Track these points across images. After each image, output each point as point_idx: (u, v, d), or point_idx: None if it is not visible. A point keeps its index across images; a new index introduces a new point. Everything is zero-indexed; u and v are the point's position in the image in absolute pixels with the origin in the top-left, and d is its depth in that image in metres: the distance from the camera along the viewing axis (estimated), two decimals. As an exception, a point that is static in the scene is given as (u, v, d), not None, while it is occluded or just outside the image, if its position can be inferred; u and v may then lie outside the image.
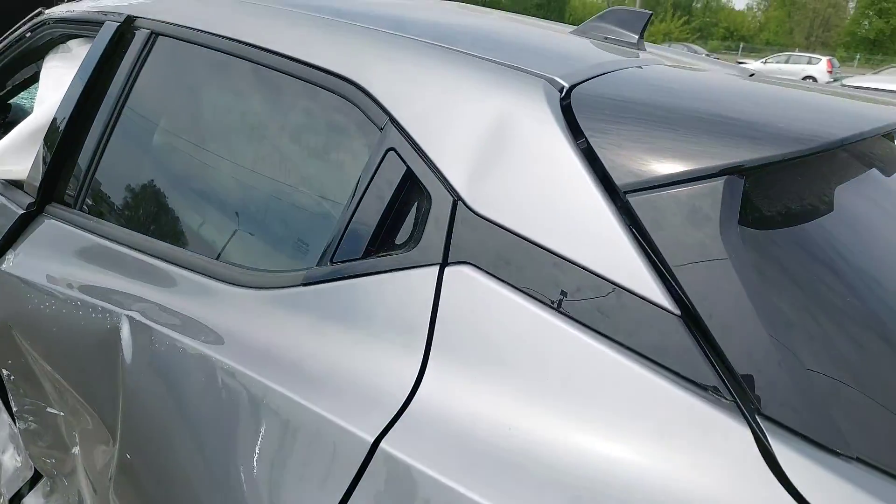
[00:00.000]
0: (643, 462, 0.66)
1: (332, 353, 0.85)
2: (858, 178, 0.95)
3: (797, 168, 0.81)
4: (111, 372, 1.04)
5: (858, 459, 0.62)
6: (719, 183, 0.71)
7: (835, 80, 19.91)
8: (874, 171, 1.01)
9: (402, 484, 0.72)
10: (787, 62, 27.12)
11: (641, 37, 1.31)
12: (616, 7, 1.44)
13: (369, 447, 0.74)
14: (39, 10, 1.68)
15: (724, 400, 0.66)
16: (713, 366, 0.67)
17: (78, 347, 1.14)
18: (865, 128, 0.79)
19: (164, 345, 0.97)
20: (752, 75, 1.31)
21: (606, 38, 1.30)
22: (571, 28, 1.47)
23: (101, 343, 1.07)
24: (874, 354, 0.71)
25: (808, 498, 0.60)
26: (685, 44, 32.18)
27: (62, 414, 1.29)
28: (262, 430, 0.83)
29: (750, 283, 0.68)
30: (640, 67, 1.00)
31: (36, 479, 1.52)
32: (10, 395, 1.45)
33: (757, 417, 0.64)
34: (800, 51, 34.09)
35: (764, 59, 28.14)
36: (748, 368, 0.66)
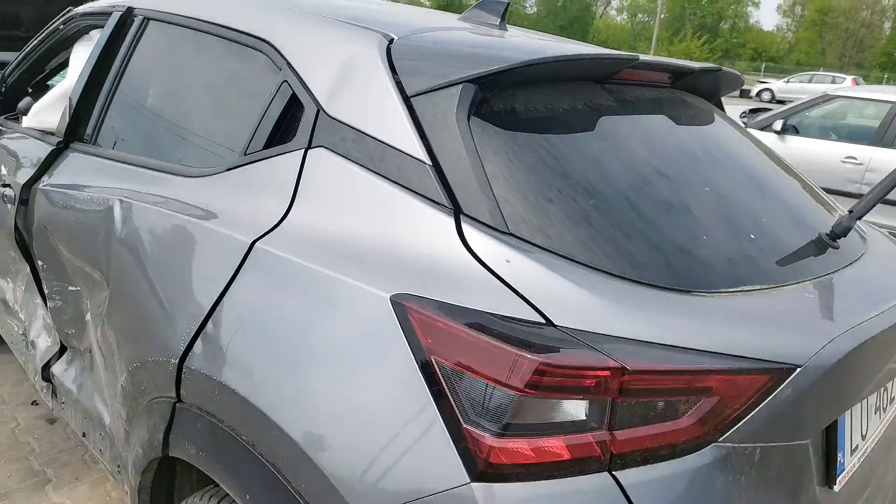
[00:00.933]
0: (397, 238, 1.12)
1: (237, 204, 1.34)
2: (626, 114, 1.39)
3: (525, 87, 1.27)
4: (108, 239, 1.55)
5: (511, 234, 1.08)
6: (458, 88, 1.18)
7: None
8: (663, 117, 1.47)
9: (271, 267, 1.20)
10: (810, 81, 27.18)
11: (503, 19, 1.80)
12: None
13: (248, 246, 1.23)
14: (69, 7, 2.23)
15: (446, 207, 1.12)
16: (443, 191, 1.13)
17: (88, 229, 1.66)
18: (542, 55, 1.23)
19: (140, 212, 1.48)
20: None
21: (478, 20, 1.78)
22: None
23: (102, 220, 1.59)
24: (535, 184, 1.16)
25: (479, 254, 1.05)
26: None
27: (79, 288, 1.80)
28: (186, 251, 1.34)
29: (445, 148, 1.14)
30: (451, 30, 1.49)
31: (61, 352, 2.03)
32: (43, 282, 1.97)
33: (460, 216, 1.11)
34: (825, 70, 34.08)
35: (786, 79, 28.23)
36: (462, 191, 1.12)
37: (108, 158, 1.75)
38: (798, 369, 1.00)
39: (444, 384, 0.95)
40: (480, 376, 0.93)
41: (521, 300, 1.00)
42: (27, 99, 2.39)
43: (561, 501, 0.91)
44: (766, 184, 1.50)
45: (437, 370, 0.96)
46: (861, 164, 6.86)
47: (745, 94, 28.39)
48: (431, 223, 1.12)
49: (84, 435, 1.94)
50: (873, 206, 1.31)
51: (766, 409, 0.99)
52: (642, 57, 1.38)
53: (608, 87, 1.45)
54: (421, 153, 1.17)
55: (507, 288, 1.01)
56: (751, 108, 8.21)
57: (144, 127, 1.79)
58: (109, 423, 1.73)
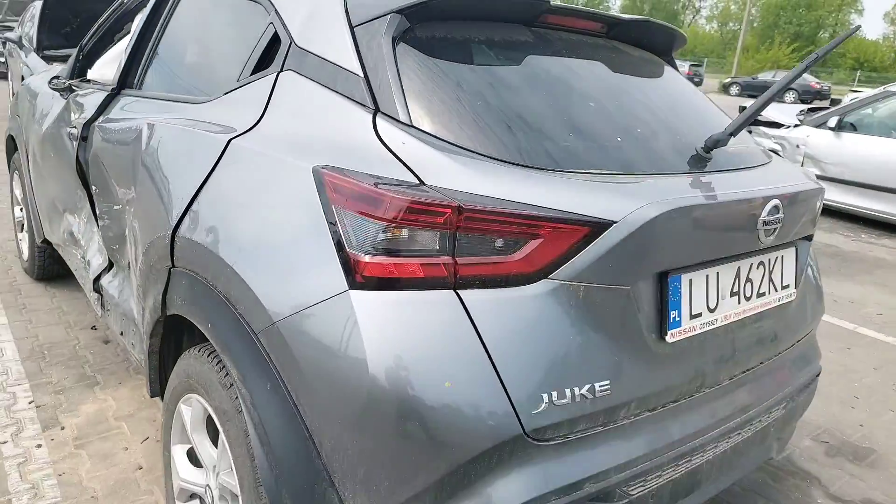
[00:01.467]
0: (331, 130, 1.44)
1: (226, 117, 1.70)
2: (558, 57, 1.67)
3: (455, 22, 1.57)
4: (135, 153, 1.95)
5: (412, 126, 1.38)
6: (386, 17, 1.49)
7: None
8: (598, 63, 1.74)
9: (239, 156, 1.55)
10: (909, 90, 25.75)
11: None
12: None
13: (226, 143, 1.58)
14: (136, -12, 2.70)
15: (368, 108, 1.43)
16: (369, 95, 1.44)
17: (125, 148, 2.06)
18: None
19: (158, 129, 1.87)
20: None
21: None
22: None
23: (133, 140, 1.99)
24: (436, 91, 1.44)
25: (384, 139, 1.35)
26: (794, 71, 31.36)
27: (121, 206, 2.21)
28: (185, 152, 1.70)
29: (374, 64, 1.45)
30: None
31: (109, 268, 2.46)
32: (96, 205, 2.41)
33: (377, 113, 1.41)
34: (928, 80, 32.17)
35: (882, 88, 26.90)
36: (381, 95, 1.43)
37: (146, 98, 2.17)
38: (614, 224, 1.25)
39: (339, 223, 1.26)
40: (365, 215, 1.23)
41: (406, 168, 1.29)
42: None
43: (416, 307, 1.20)
44: (663, 108, 1.72)
45: (335, 214, 1.27)
46: (923, 162, 6.70)
47: (836, 104, 27.21)
48: (356, 119, 1.43)
49: (122, 333, 2.35)
50: (745, 124, 1.53)
51: (588, 254, 1.24)
52: (555, 3, 1.65)
53: (535, 30, 1.72)
54: (357, 68, 1.49)
55: (398, 161, 1.31)
56: (809, 107, 8.10)
57: (174, 71, 2.20)
58: (138, 318, 2.13)
